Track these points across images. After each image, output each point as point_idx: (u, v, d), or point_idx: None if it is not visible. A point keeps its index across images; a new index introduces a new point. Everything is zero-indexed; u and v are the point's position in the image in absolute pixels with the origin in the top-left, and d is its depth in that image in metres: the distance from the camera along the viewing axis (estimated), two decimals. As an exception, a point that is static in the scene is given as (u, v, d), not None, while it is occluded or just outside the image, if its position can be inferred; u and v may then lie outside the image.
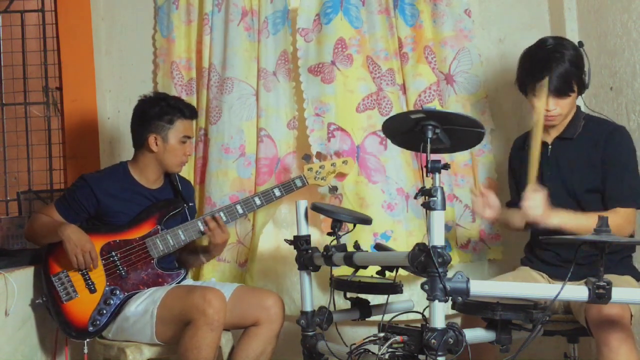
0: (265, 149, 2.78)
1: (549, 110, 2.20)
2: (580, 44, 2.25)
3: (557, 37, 2.28)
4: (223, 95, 2.79)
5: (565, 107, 2.21)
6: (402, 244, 2.67)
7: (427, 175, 1.70)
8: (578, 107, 2.30)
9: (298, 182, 2.60)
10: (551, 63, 2.16)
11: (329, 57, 2.74)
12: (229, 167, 2.78)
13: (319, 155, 2.68)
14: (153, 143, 2.39)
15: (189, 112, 2.45)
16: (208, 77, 2.84)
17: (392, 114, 2.73)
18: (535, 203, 2.06)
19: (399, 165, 2.73)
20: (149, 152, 2.41)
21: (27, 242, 2.61)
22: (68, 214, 2.38)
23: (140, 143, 2.43)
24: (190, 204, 2.51)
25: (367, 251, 2.32)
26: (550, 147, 2.30)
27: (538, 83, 2.18)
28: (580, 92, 2.22)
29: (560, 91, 2.16)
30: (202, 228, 2.44)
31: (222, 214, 2.46)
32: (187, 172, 2.83)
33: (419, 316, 1.84)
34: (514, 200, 2.48)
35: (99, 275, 2.31)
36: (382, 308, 2.04)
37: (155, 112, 2.39)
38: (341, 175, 2.70)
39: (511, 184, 2.51)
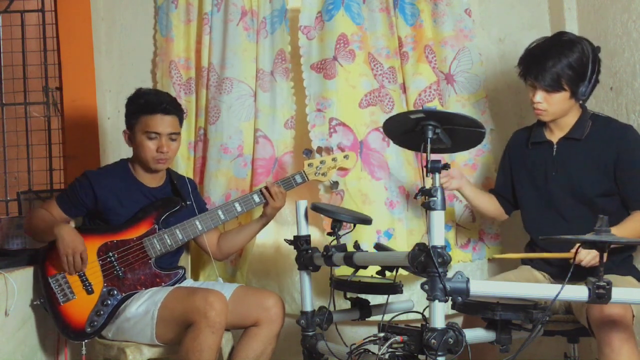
0: (261, 150, 2.78)
1: (534, 102, 2.21)
2: (598, 49, 2.21)
3: (574, 37, 2.24)
4: (222, 95, 2.78)
5: (553, 104, 2.19)
6: (403, 242, 2.66)
7: (427, 175, 1.70)
8: (584, 107, 2.29)
9: (298, 178, 2.58)
10: (547, 58, 2.16)
11: (330, 53, 2.74)
12: (227, 167, 2.77)
13: (320, 150, 2.66)
14: (126, 138, 2.42)
15: (159, 107, 2.34)
16: (207, 77, 2.84)
17: (394, 111, 2.73)
18: (594, 259, 2.00)
19: (401, 163, 2.73)
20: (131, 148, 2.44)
21: (27, 242, 2.62)
22: (67, 207, 2.39)
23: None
24: (189, 202, 2.50)
25: (367, 251, 2.32)
26: (555, 146, 2.29)
27: (530, 76, 2.19)
28: (574, 95, 2.19)
29: (547, 86, 2.16)
30: (257, 200, 2.47)
31: (220, 212, 2.46)
32: (187, 172, 2.83)
33: (419, 316, 1.83)
34: (498, 190, 2.50)
35: (96, 276, 2.31)
36: (382, 308, 2.04)
37: (127, 108, 2.42)
38: (343, 170, 2.69)
39: (500, 176, 2.51)
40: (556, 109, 2.21)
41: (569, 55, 2.15)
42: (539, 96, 2.20)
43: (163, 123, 2.35)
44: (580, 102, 2.24)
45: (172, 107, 2.39)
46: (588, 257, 1.99)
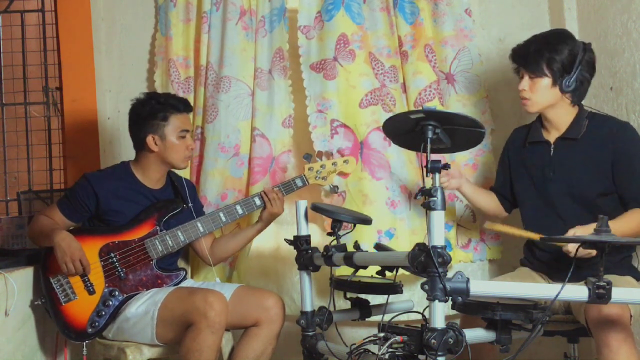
0: (258, 149, 2.77)
1: (520, 91, 2.25)
2: (588, 45, 2.23)
3: (565, 31, 2.30)
4: (219, 93, 2.78)
5: (536, 92, 2.22)
6: (405, 242, 2.66)
7: (427, 175, 1.70)
8: (581, 106, 2.29)
9: (299, 182, 2.59)
10: (533, 43, 2.22)
11: (331, 53, 2.74)
12: (223, 166, 2.77)
13: (320, 154, 2.67)
14: (152, 143, 2.39)
15: (183, 106, 2.44)
16: (205, 75, 2.84)
17: (395, 110, 2.73)
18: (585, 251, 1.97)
19: (403, 162, 2.72)
20: (150, 152, 2.41)
21: (27, 242, 2.62)
22: (70, 212, 2.38)
23: (140, 145, 2.43)
24: (190, 205, 2.50)
25: (367, 251, 2.32)
26: (552, 146, 2.29)
27: (515, 60, 2.26)
28: (559, 85, 2.19)
29: (528, 67, 2.21)
30: (258, 203, 2.49)
31: (221, 214, 2.46)
32: (185, 171, 2.82)
33: (419, 316, 1.83)
34: (497, 189, 2.51)
35: (97, 277, 2.31)
36: (382, 308, 2.04)
37: (147, 111, 2.40)
38: (343, 175, 2.70)
39: (500, 174, 2.53)
40: (539, 98, 2.23)
41: (553, 42, 2.19)
42: (524, 83, 2.24)
43: (189, 121, 2.49)
44: (567, 95, 2.23)
45: (190, 105, 2.52)
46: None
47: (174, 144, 2.40)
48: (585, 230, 1.97)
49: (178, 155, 2.41)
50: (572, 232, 2.00)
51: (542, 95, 2.22)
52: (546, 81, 2.20)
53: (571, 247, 2.00)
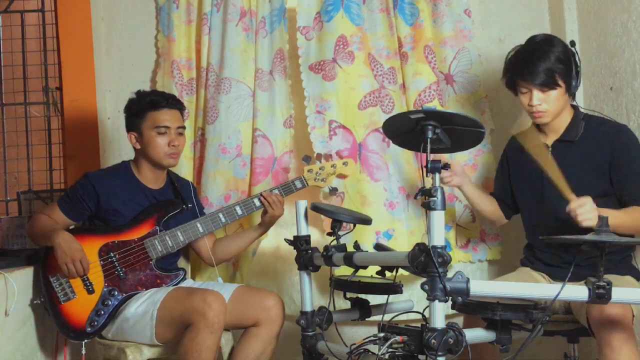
0: (260, 150, 2.77)
1: (533, 105, 2.20)
2: (572, 43, 2.23)
3: (547, 35, 2.28)
4: (220, 95, 2.78)
5: (551, 103, 2.19)
6: (403, 243, 2.66)
7: (427, 175, 1.70)
8: (577, 108, 2.29)
9: (298, 184, 2.60)
10: (535, 58, 2.17)
11: (330, 55, 2.74)
12: (226, 167, 2.77)
13: (320, 157, 2.67)
14: (134, 140, 2.43)
15: (165, 102, 2.41)
16: (206, 77, 2.84)
17: (394, 112, 2.73)
18: (589, 215, 1.94)
19: (401, 163, 2.73)
20: (136, 150, 2.45)
21: (27, 242, 2.62)
22: (70, 211, 2.39)
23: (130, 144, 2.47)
24: (190, 205, 2.50)
25: (367, 251, 2.32)
26: (550, 149, 2.28)
27: (523, 80, 2.19)
28: (569, 90, 2.19)
29: (543, 85, 2.16)
30: (257, 204, 2.48)
31: (221, 215, 2.46)
32: (189, 172, 2.83)
33: (419, 316, 1.83)
34: (497, 195, 2.51)
35: (97, 276, 2.31)
36: (382, 308, 2.04)
37: (130, 110, 2.44)
38: (342, 176, 2.70)
39: (498, 179, 2.52)
40: (555, 107, 2.21)
41: (554, 50, 2.17)
42: (536, 98, 2.19)
43: (171, 117, 2.41)
44: (572, 99, 2.23)
45: (175, 101, 2.46)
46: (583, 216, 1.94)
47: (151, 140, 2.39)
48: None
49: (156, 151, 2.39)
50: (575, 203, 1.97)
51: (558, 103, 2.20)
52: (560, 90, 2.18)
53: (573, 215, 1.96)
